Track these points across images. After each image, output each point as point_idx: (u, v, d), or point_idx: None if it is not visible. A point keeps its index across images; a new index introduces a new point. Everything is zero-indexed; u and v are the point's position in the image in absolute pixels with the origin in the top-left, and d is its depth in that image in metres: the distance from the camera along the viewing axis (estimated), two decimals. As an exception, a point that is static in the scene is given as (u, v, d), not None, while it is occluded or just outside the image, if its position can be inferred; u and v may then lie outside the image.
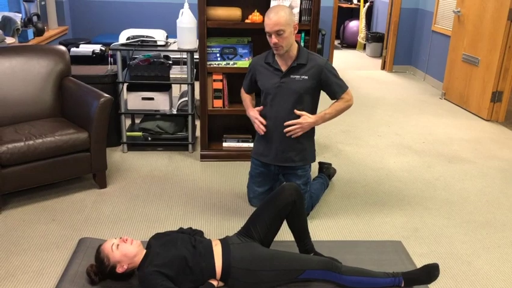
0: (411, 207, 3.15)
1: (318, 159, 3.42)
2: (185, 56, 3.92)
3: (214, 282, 2.16)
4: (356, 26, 8.97)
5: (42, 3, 5.01)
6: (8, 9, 4.67)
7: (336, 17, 6.92)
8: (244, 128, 3.92)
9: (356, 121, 4.83)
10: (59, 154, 3.00)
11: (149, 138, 3.91)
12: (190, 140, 3.91)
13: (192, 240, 2.25)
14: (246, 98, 3.07)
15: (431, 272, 2.25)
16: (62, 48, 3.51)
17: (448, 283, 2.39)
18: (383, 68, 7.29)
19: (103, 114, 3.08)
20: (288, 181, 2.86)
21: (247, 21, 3.52)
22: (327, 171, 3.36)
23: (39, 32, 4.61)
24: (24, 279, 2.32)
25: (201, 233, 2.54)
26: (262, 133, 2.88)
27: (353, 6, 9.18)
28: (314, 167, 3.19)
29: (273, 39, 2.64)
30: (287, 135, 2.80)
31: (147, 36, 3.74)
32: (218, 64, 3.57)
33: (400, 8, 6.86)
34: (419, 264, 2.44)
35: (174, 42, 3.85)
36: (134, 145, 3.95)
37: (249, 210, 2.86)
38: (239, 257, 2.20)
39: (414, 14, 6.89)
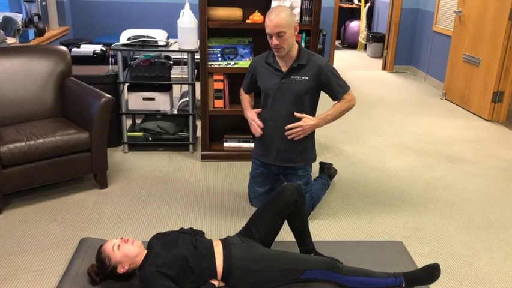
0: (412, 208, 3.15)
1: (318, 159, 3.42)
2: (186, 56, 3.92)
3: (215, 283, 2.16)
4: (357, 26, 8.97)
5: (43, 3, 5.01)
6: (9, 10, 4.67)
7: (337, 17, 6.93)
8: (245, 128, 3.90)
9: (356, 121, 4.83)
10: (60, 154, 3.00)
11: (150, 139, 3.92)
12: (190, 140, 3.91)
13: (192, 241, 2.25)
14: (245, 99, 3.07)
15: (432, 272, 2.25)
16: (63, 48, 3.51)
17: (449, 283, 2.39)
18: (384, 68, 7.29)
19: (103, 115, 3.08)
20: (289, 181, 2.86)
21: (248, 21, 3.52)
22: (328, 171, 3.35)
23: (40, 32, 4.61)
24: (25, 279, 2.33)
25: (201, 233, 2.54)
26: (259, 135, 2.88)
27: (353, 6, 9.18)
28: (315, 167, 3.19)
29: (274, 41, 2.63)
30: (289, 138, 2.80)
31: (148, 37, 3.74)
32: (219, 64, 3.57)
33: (401, 8, 6.86)
34: (420, 264, 2.44)
35: (175, 43, 3.86)
36: (135, 145, 3.95)
37: (250, 211, 2.86)
38: (240, 257, 2.20)
39: (415, 14, 6.89)
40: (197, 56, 3.69)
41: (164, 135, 3.91)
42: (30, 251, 2.55)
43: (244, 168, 3.63)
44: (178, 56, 4.32)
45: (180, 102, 3.94)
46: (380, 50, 7.99)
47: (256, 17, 3.49)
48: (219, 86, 3.61)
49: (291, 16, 2.64)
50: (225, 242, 2.29)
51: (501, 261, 2.60)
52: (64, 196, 3.15)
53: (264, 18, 3.49)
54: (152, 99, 3.81)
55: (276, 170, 2.96)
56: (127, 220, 2.89)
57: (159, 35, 3.77)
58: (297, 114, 2.77)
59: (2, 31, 3.92)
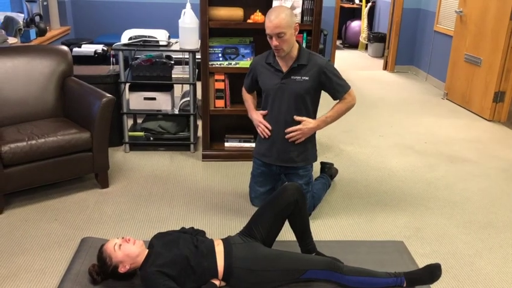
0: (413, 207, 3.15)
1: (319, 159, 3.42)
2: (187, 56, 3.93)
3: (216, 282, 2.16)
4: (358, 26, 8.96)
5: (45, 3, 5.01)
6: (11, 10, 4.68)
7: (338, 17, 6.93)
8: (246, 128, 3.91)
9: (357, 121, 4.83)
10: (61, 154, 3.00)
11: (151, 138, 3.92)
12: (192, 140, 3.91)
13: (194, 240, 2.25)
14: (248, 99, 3.07)
15: (433, 272, 2.25)
16: (65, 48, 3.52)
17: (450, 283, 2.39)
18: (385, 68, 7.29)
19: (105, 114, 3.08)
20: (290, 181, 2.86)
21: (249, 21, 3.52)
22: (329, 171, 3.35)
23: (41, 32, 4.61)
24: (26, 278, 2.33)
25: (203, 232, 2.54)
26: (267, 137, 2.87)
27: (354, 6, 9.17)
28: (316, 167, 3.19)
29: (274, 42, 2.63)
30: (289, 141, 2.80)
31: (149, 36, 3.74)
32: (220, 64, 3.57)
33: (402, 8, 6.85)
34: (421, 264, 2.44)
35: (176, 42, 3.86)
36: (136, 145, 3.95)
37: (251, 210, 2.86)
38: (241, 256, 2.20)
39: (416, 14, 6.88)
40: (198, 55, 3.69)
41: (166, 135, 3.91)
42: (31, 251, 2.55)
43: (245, 168, 3.63)
44: (179, 55, 4.32)
45: (181, 102, 3.94)
46: (381, 50, 7.99)
47: (257, 16, 3.49)
48: (220, 85, 3.61)
49: (291, 16, 2.63)
50: (226, 241, 2.29)
51: (502, 261, 2.60)
52: (65, 196, 3.16)
53: (265, 18, 3.51)
54: (154, 99, 3.81)
55: (277, 170, 2.96)
56: (128, 220, 2.89)
57: (160, 35, 3.78)
58: (297, 118, 2.77)
59: (3, 31, 3.93)
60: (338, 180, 3.49)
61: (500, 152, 4.15)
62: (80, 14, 6.28)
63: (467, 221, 3.01)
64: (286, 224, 2.41)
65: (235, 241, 2.30)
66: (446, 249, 2.69)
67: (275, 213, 2.34)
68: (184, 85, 4.38)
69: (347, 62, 7.79)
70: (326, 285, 2.23)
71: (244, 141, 3.82)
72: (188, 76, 3.80)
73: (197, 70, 3.96)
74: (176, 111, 3.89)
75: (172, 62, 3.89)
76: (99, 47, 4.44)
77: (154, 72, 3.76)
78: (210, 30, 3.47)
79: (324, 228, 2.86)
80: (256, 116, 2.94)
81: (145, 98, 3.81)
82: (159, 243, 2.22)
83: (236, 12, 3.49)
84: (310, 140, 2.89)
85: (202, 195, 3.23)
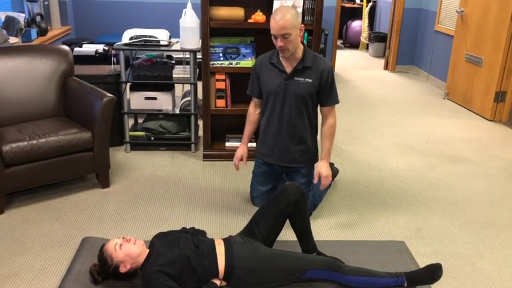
0: (414, 207, 3.15)
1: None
2: (188, 56, 3.93)
3: (217, 282, 2.16)
4: (359, 25, 8.96)
5: (46, 3, 5.02)
6: (12, 9, 4.68)
7: (339, 17, 6.92)
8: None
9: (358, 121, 4.83)
10: (62, 154, 3.00)
11: (152, 138, 3.92)
12: (192, 139, 3.91)
13: (194, 240, 2.25)
14: (248, 123, 3.05)
15: (434, 272, 2.25)
16: (66, 48, 3.52)
17: (451, 283, 2.39)
18: (386, 68, 7.29)
19: (106, 114, 3.08)
20: (292, 180, 2.86)
21: (250, 21, 3.52)
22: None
23: (42, 32, 4.62)
24: (27, 278, 2.33)
25: (203, 232, 2.54)
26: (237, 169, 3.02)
27: (355, 6, 9.17)
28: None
29: (279, 42, 2.61)
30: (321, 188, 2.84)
31: (150, 36, 3.74)
32: (221, 64, 3.57)
33: (403, 7, 6.85)
34: (422, 264, 2.44)
35: (177, 42, 3.86)
36: (137, 145, 3.96)
37: (252, 210, 2.86)
38: (242, 256, 2.20)
39: (417, 14, 6.88)
40: (199, 55, 3.69)
41: (166, 135, 3.91)
42: (32, 250, 2.56)
43: (246, 168, 3.63)
44: (180, 55, 4.32)
45: (182, 101, 3.94)
46: (382, 50, 7.98)
47: (258, 16, 3.49)
48: (221, 85, 3.61)
49: (297, 17, 2.61)
50: (227, 241, 2.29)
51: (503, 261, 2.59)
52: (66, 195, 3.16)
53: (266, 17, 3.51)
54: (154, 98, 3.81)
55: (279, 169, 2.96)
56: (129, 219, 2.89)
57: (161, 35, 3.78)
58: (315, 180, 2.80)
59: (4, 31, 3.93)
60: (339, 180, 3.48)
61: (501, 152, 4.15)
62: (81, 14, 6.28)
63: (468, 221, 3.00)
64: (287, 224, 2.41)
65: (236, 241, 2.30)
66: (447, 249, 2.68)
67: (276, 213, 2.34)
68: (185, 85, 4.38)
69: (348, 62, 7.79)
70: (326, 285, 2.23)
71: (245, 141, 3.81)
72: (189, 76, 3.80)
73: (198, 70, 3.96)
74: (177, 111, 3.89)
75: (173, 62, 3.89)
76: (100, 47, 4.44)
77: (155, 72, 3.76)
78: (210, 30, 3.47)
79: (325, 228, 2.86)
80: (240, 151, 3.01)
81: (146, 98, 3.81)
82: (160, 242, 2.22)
83: (237, 12, 3.49)
84: (312, 141, 2.90)
85: (203, 194, 3.23)
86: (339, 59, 7.41)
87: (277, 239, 2.40)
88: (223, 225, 2.86)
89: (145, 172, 3.54)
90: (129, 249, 2.15)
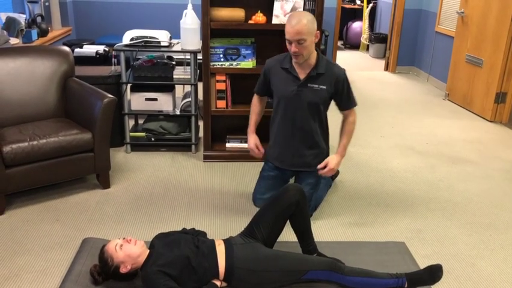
0: (415, 208, 3.15)
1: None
2: (188, 57, 3.93)
3: (218, 283, 2.16)
4: (359, 26, 8.96)
5: (46, 4, 5.02)
6: (12, 10, 4.69)
7: (340, 18, 6.92)
8: (247, 128, 3.91)
9: (358, 122, 4.78)
10: (63, 154, 3.01)
11: (153, 139, 3.92)
12: (193, 140, 3.91)
13: (195, 241, 2.25)
14: (253, 113, 3.05)
15: (434, 273, 2.24)
16: (66, 49, 3.52)
17: (451, 284, 2.39)
18: (386, 68, 7.29)
19: (106, 115, 3.08)
20: (301, 181, 2.86)
21: (250, 22, 3.53)
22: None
23: (43, 33, 4.62)
24: (28, 279, 2.33)
25: (204, 233, 2.54)
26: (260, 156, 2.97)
27: (356, 7, 9.17)
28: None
29: (293, 48, 2.59)
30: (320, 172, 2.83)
31: (151, 37, 3.75)
32: (221, 65, 3.58)
33: (403, 8, 6.85)
34: (422, 265, 2.43)
35: (178, 43, 3.86)
36: (138, 145, 3.96)
37: (252, 211, 2.86)
38: (242, 257, 2.20)
39: (417, 14, 6.88)
40: (199, 56, 3.69)
41: (167, 136, 3.91)
42: (32, 251, 2.56)
43: (246, 169, 3.64)
44: (181, 56, 4.32)
45: (183, 102, 3.94)
46: (382, 51, 7.98)
47: (258, 17, 3.49)
48: (221, 86, 3.61)
49: (313, 23, 2.58)
50: (227, 242, 2.29)
51: (504, 262, 2.59)
52: (67, 196, 3.16)
53: (267, 18, 3.52)
54: (155, 99, 3.82)
55: (290, 174, 2.97)
56: (130, 220, 2.89)
57: (162, 36, 3.78)
58: (320, 166, 2.79)
59: (5, 31, 3.94)
60: (339, 181, 3.48)
61: (502, 153, 4.15)
62: (81, 15, 6.29)
63: (469, 222, 3.00)
64: (288, 225, 2.41)
65: (237, 241, 2.30)
66: (448, 250, 2.68)
67: (276, 214, 2.34)
68: (185, 86, 4.39)
69: (348, 63, 7.79)
70: (327, 286, 2.23)
71: (246, 142, 3.81)
72: (189, 77, 3.81)
73: (198, 71, 3.96)
74: (178, 112, 3.90)
75: (174, 63, 3.90)
76: (100, 48, 4.44)
77: (155, 73, 3.76)
78: (211, 31, 3.48)
79: (325, 229, 2.86)
80: (249, 142, 2.98)
81: (147, 99, 3.81)
82: (160, 243, 2.22)
83: (237, 13, 3.49)
84: (325, 143, 2.91)
85: (203, 195, 3.23)
86: (339, 60, 7.40)
87: (277, 240, 2.40)
88: (223, 226, 2.86)
89: (146, 173, 3.54)
90: (129, 249, 2.15)
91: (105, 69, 3.92)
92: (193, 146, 3.93)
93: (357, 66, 7.68)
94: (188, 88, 4.13)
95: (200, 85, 3.70)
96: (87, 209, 3.01)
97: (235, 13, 3.48)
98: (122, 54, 3.66)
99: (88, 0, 6.23)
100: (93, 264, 2.26)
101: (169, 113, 3.87)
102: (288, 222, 2.40)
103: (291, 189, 2.36)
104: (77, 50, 4.36)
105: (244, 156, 3.77)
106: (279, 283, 2.21)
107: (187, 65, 4.11)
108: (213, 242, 2.28)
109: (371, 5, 8.66)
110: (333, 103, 2.87)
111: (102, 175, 3.25)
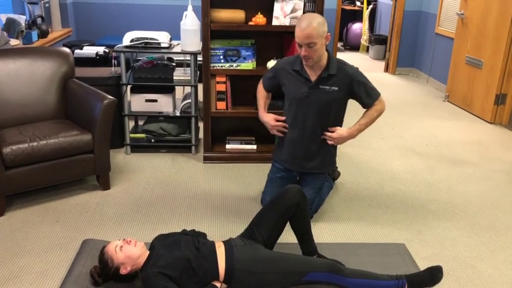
0: (415, 210, 3.15)
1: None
2: (188, 58, 3.93)
3: (218, 284, 2.16)
4: (359, 28, 8.97)
5: (47, 5, 5.02)
6: (13, 11, 4.69)
7: (339, 19, 6.92)
8: (247, 130, 3.92)
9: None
10: (63, 156, 3.01)
11: (153, 140, 3.92)
12: (193, 142, 3.91)
13: (195, 242, 2.25)
14: (261, 97, 3.01)
15: (434, 274, 2.24)
16: (66, 50, 3.52)
17: (451, 286, 2.39)
18: (386, 70, 7.29)
19: (106, 116, 3.08)
20: (306, 183, 2.86)
21: (250, 23, 3.53)
22: (332, 174, 3.35)
23: (43, 34, 4.62)
24: (27, 280, 2.33)
25: (204, 235, 2.54)
26: (282, 135, 2.87)
27: (356, 8, 9.18)
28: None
29: (303, 51, 2.58)
30: (324, 137, 2.79)
31: (151, 39, 3.75)
32: (221, 66, 3.58)
33: (403, 10, 6.85)
34: (422, 266, 2.43)
35: (178, 44, 3.86)
36: (138, 147, 3.96)
37: (252, 212, 2.85)
38: (242, 259, 2.20)
39: (417, 16, 6.88)
40: (200, 57, 3.69)
41: (167, 137, 3.91)
42: (32, 253, 2.55)
43: (246, 170, 3.64)
44: (181, 57, 4.32)
45: (183, 104, 3.94)
46: (382, 52, 7.99)
47: (258, 19, 3.49)
48: (221, 87, 3.61)
49: (323, 26, 2.57)
50: (227, 243, 2.29)
51: (504, 264, 2.59)
52: (67, 197, 3.16)
53: (267, 20, 3.52)
54: (155, 101, 3.82)
55: (296, 175, 2.96)
56: (130, 221, 2.89)
57: (162, 37, 3.78)
58: (331, 130, 2.76)
59: (5, 33, 3.94)
60: (339, 183, 3.48)
61: (502, 155, 4.15)
62: (81, 16, 6.28)
63: (469, 223, 3.00)
64: (288, 226, 2.41)
65: (237, 243, 2.29)
66: (448, 252, 2.68)
67: (277, 216, 2.34)
68: (185, 87, 4.38)
69: (348, 64, 7.78)
70: (327, 288, 2.23)
71: (246, 143, 3.82)
72: (189, 78, 3.81)
73: (198, 72, 3.96)
74: (178, 113, 3.90)
75: (174, 64, 3.90)
76: (101, 49, 4.44)
77: (155, 74, 3.76)
78: (211, 32, 3.48)
79: (325, 231, 2.86)
80: (268, 119, 2.89)
81: (147, 100, 3.81)
82: (160, 244, 2.22)
83: (238, 15, 3.49)
84: (333, 146, 2.89)
85: (203, 197, 3.23)
86: (339, 62, 7.40)
87: (277, 242, 2.40)
88: (223, 228, 2.86)
89: (146, 174, 3.54)
90: (129, 251, 2.15)
91: (105, 70, 3.93)
92: (193, 148, 3.93)
93: (357, 67, 7.67)
94: (188, 89, 4.13)
95: (200, 86, 3.70)
96: (87, 210, 3.01)
97: (236, 14, 3.49)
98: (122, 56, 3.66)
99: (88, 1, 6.24)
100: (93, 266, 2.25)
101: (169, 114, 3.87)
102: (288, 223, 2.40)
103: (291, 190, 2.36)
104: (77, 51, 4.36)
105: (244, 157, 3.77)
106: (279, 285, 2.21)
107: (187, 67, 4.11)
108: (213, 243, 2.28)
109: (370, 6, 8.66)
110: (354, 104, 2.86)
111: (102, 176, 3.25)
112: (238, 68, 3.58)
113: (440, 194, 3.38)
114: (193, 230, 2.55)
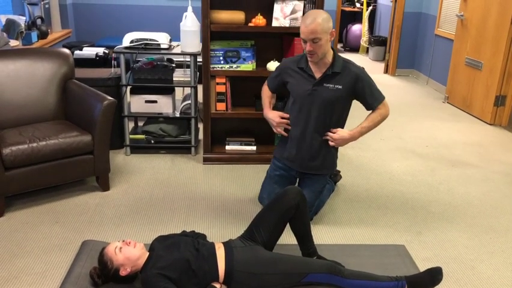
0: (415, 211, 3.14)
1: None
2: (188, 59, 3.93)
3: (217, 285, 2.16)
4: (359, 29, 8.97)
5: (46, 6, 5.03)
6: (12, 12, 4.69)
7: (339, 21, 6.94)
8: (247, 131, 3.92)
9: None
10: (62, 156, 3.00)
11: (152, 141, 3.92)
12: (193, 143, 3.91)
13: (195, 243, 2.25)
14: (266, 96, 3.01)
15: (434, 276, 2.24)
16: (66, 51, 3.52)
17: (451, 287, 2.39)
18: (386, 71, 7.29)
19: (106, 117, 3.08)
20: (305, 185, 2.86)
21: (250, 24, 3.53)
22: (334, 177, 3.35)
23: (43, 35, 4.62)
24: (27, 281, 2.33)
25: (203, 236, 2.53)
26: (286, 134, 2.86)
27: (355, 9, 9.18)
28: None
29: (308, 47, 2.58)
30: (325, 137, 2.78)
31: (151, 39, 3.75)
32: (221, 67, 3.58)
33: (403, 11, 6.86)
34: (422, 268, 2.43)
35: (178, 46, 3.86)
36: (137, 148, 3.96)
37: (252, 214, 2.85)
38: (242, 260, 2.20)
39: (417, 17, 6.89)
40: (199, 59, 3.70)
41: (167, 138, 3.91)
42: (32, 253, 2.55)
43: (246, 171, 3.63)
44: (181, 58, 4.32)
45: (182, 105, 3.94)
46: (382, 54, 7.99)
47: (258, 20, 3.49)
48: (221, 89, 3.61)
49: (328, 22, 2.58)
50: (227, 245, 2.28)
51: (504, 265, 2.59)
52: (66, 198, 3.15)
53: (267, 21, 3.52)
54: (155, 102, 3.82)
55: (295, 174, 2.95)
56: (129, 222, 2.89)
57: (162, 38, 3.78)
58: (332, 131, 2.75)
59: (5, 34, 3.94)
60: (339, 184, 3.48)
61: (502, 156, 4.15)
62: (81, 17, 6.29)
63: (469, 225, 3.00)
64: (288, 228, 2.40)
65: (236, 244, 2.29)
66: (448, 253, 2.68)
67: (276, 217, 2.33)
68: (185, 88, 4.39)
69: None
70: (327, 289, 2.23)
71: (246, 145, 3.82)
72: (189, 79, 3.81)
73: (198, 73, 3.96)
74: (178, 114, 3.90)
75: (174, 65, 3.90)
76: (100, 50, 4.44)
77: (155, 75, 3.76)
78: (211, 34, 3.48)
79: (325, 232, 2.86)
80: (273, 116, 2.88)
81: (146, 101, 3.81)
82: (160, 246, 2.22)
83: (237, 16, 3.49)
84: (334, 148, 2.88)
85: (203, 198, 3.23)
86: (339, 63, 7.40)
87: (277, 243, 2.40)
88: (223, 229, 2.86)
89: (145, 175, 3.53)
90: (129, 252, 2.15)
91: (105, 71, 3.93)
92: (192, 149, 3.93)
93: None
94: (188, 90, 4.13)
95: (200, 87, 3.70)
96: (86, 211, 3.01)
97: (235, 16, 3.49)
98: (122, 57, 3.66)
99: (88, 2, 6.24)
100: (93, 267, 2.25)
101: (168, 115, 3.87)
102: (287, 225, 2.40)
103: (291, 192, 2.36)
104: (77, 52, 4.36)
105: (244, 158, 3.77)
106: (279, 286, 2.20)
107: (187, 68, 4.11)
108: (212, 245, 2.28)
109: (370, 7, 8.67)
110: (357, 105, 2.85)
111: (102, 177, 3.24)
112: (238, 69, 3.58)
113: (440, 196, 3.38)
114: (193, 231, 2.55)
